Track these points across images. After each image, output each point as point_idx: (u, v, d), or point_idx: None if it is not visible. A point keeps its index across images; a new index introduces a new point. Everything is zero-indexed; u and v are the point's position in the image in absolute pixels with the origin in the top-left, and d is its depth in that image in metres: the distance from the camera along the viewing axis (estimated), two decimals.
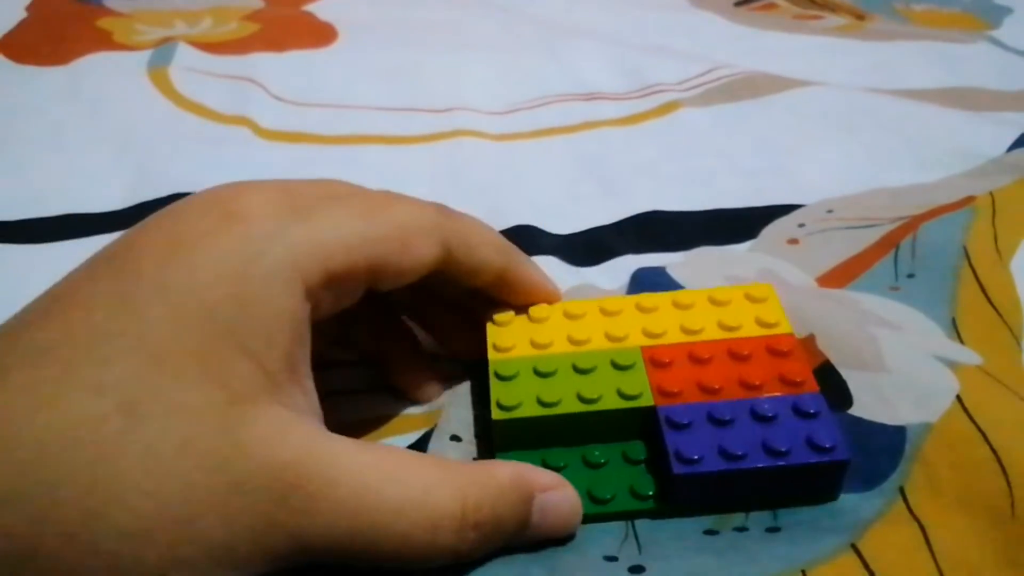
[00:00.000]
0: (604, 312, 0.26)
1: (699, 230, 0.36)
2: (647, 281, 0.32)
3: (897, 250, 0.33)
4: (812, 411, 0.23)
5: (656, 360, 0.25)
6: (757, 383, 0.24)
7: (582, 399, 0.24)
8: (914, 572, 0.21)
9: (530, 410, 0.24)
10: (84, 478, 0.16)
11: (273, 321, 0.19)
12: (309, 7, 0.59)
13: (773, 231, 0.35)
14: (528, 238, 0.35)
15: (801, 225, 0.36)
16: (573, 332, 0.26)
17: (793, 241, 0.35)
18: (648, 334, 0.25)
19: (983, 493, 0.23)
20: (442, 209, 0.23)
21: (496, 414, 0.24)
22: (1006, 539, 0.22)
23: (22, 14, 0.56)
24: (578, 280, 0.32)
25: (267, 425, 0.18)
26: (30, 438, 0.16)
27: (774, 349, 0.25)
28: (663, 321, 0.26)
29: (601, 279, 0.33)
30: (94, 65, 0.50)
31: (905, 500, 0.23)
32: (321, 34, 0.55)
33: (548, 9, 0.60)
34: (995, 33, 0.55)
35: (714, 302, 0.26)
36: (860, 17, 0.59)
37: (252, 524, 0.17)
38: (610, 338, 0.25)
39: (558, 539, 0.22)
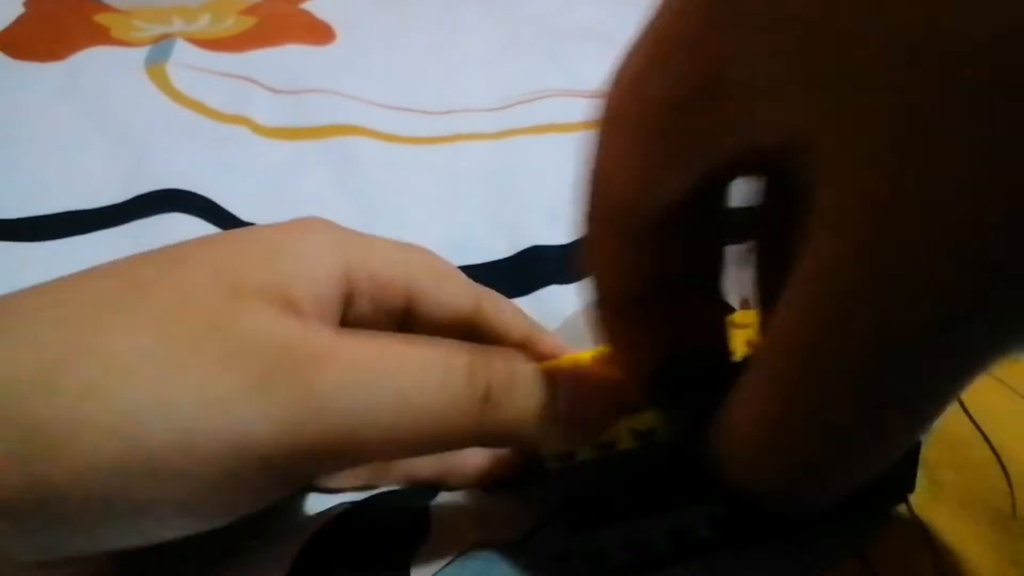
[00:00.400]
0: None
1: None
2: None
3: None
4: None
5: None
6: None
7: (637, 435, 0.22)
8: (916, 574, 0.21)
9: (586, 454, 0.22)
10: (77, 344, 0.16)
11: (309, 271, 0.19)
12: (306, 5, 0.59)
13: None
14: (530, 254, 0.34)
15: None
16: None
17: None
18: None
19: (984, 494, 0.23)
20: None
21: (552, 462, 0.22)
22: (1008, 540, 0.22)
23: (19, 10, 0.55)
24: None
25: (276, 314, 0.18)
26: (33, 306, 0.17)
27: None
28: None
29: None
30: (92, 61, 0.49)
31: (907, 502, 0.23)
32: (319, 32, 0.55)
33: (547, 9, 0.60)
34: None
35: (736, 326, 0.26)
36: None
37: (244, 370, 0.16)
38: None
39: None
